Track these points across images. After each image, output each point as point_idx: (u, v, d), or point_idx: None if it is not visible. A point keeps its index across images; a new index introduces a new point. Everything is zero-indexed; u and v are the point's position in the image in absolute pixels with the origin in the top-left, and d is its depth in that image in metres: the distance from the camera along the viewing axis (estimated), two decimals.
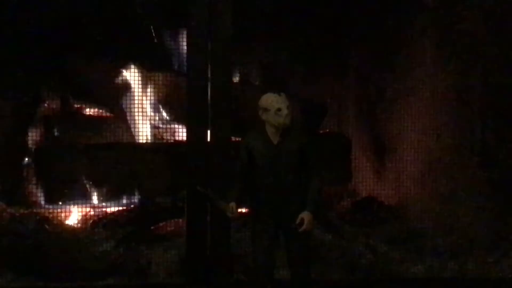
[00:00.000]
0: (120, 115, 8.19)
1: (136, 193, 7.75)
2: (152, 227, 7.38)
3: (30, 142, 7.92)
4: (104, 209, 7.67)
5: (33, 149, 7.91)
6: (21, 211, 7.51)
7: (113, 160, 7.74)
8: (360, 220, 7.78)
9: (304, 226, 4.94)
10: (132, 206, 7.73)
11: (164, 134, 8.11)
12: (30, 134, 7.94)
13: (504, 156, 7.04)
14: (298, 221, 4.95)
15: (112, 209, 7.69)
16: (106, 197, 7.74)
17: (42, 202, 7.66)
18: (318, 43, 8.51)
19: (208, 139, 6.30)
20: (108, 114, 8.36)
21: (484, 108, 7.19)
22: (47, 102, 8.14)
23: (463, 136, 7.35)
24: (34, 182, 7.74)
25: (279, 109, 4.95)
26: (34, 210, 7.52)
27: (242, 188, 5.10)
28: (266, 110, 4.99)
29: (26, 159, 7.91)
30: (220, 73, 6.32)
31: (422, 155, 7.70)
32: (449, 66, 7.42)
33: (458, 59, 7.35)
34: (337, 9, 8.32)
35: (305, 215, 4.95)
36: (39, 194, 7.71)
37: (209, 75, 6.28)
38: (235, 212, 5.05)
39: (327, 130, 8.63)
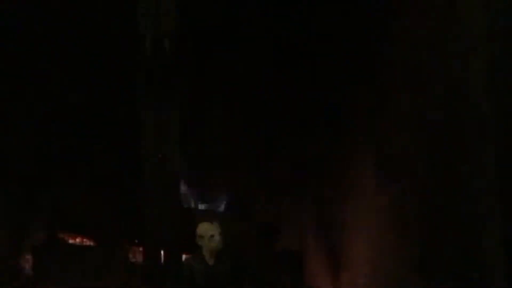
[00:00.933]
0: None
1: None
2: None
3: (20, 267, 8.76)
4: None
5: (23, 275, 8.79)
6: None
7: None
8: None
9: None
10: None
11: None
12: (20, 261, 8.80)
13: (438, 269, 7.17)
14: None
15: None
16: None
17: None
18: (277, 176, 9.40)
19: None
20: (92, 242, 9.24)
21: (421, 227, 7.38)
22: (34, 234, 8.99)
23: (403, 250, 7.68)
24: None
25: (212, 236, 5.90)
26: None
27: None
28: (201, 236, 5.94)
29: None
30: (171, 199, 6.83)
31: (369, 266, 8.24)
32: (387, 190, 7.82)
33: (394, 184, 7.70)
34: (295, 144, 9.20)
35: None
36: None
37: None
38: None
39: (282, 248, 9.48)
